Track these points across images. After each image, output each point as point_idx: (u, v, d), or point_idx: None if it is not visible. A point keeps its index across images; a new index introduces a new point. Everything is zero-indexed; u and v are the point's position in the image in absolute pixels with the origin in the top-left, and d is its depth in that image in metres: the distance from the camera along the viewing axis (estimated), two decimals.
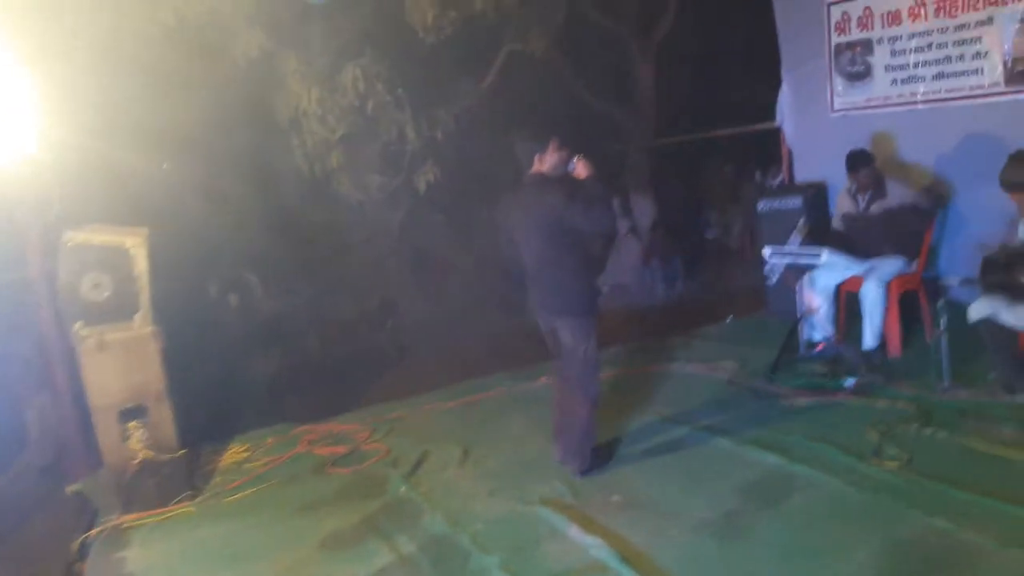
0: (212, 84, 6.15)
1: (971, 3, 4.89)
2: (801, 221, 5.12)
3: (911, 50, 5.26)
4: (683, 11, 9.23)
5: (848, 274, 4.93)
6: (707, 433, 4.12)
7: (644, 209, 9.54)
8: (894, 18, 5.35)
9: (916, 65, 5.25)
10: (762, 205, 6.07)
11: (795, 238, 4.86)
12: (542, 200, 3.65)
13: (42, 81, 4.31)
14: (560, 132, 3.75)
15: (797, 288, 4.94)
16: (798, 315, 4.97)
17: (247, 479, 4.46)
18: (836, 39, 5.74)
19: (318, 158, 6.67)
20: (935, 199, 5.02)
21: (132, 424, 4.14)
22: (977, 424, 3.72)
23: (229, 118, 6.45)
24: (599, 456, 3.93)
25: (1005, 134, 4.66)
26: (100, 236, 4.18)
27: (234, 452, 4.92)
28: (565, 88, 9.34)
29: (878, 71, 5.50)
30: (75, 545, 3.79)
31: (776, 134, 6.61)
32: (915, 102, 5.30)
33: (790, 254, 4.76)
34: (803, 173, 6.26)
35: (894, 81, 5.41)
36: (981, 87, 4.91)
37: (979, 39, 4.86)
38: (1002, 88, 4.81)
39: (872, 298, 4.69)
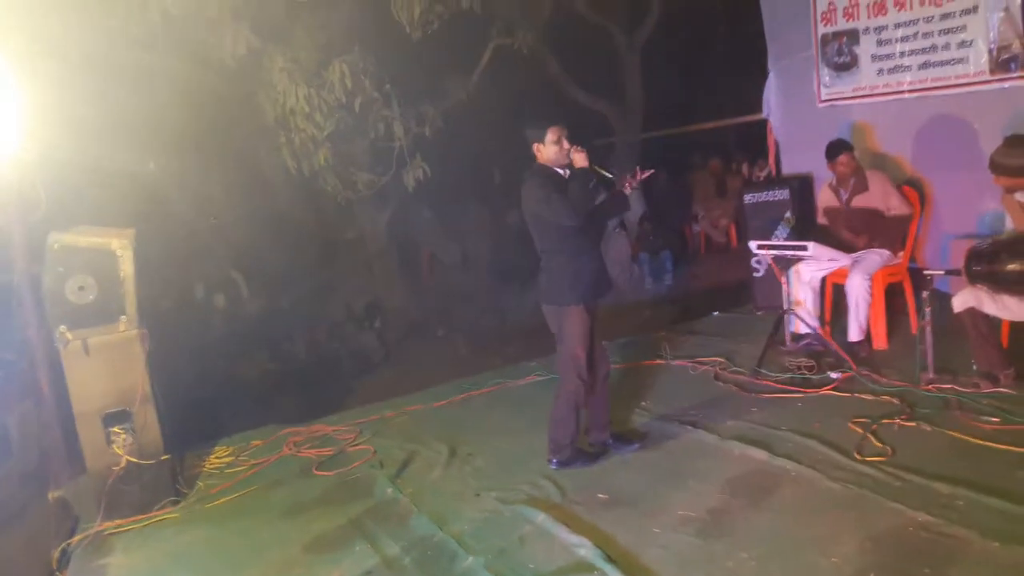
0: (199, 83, 6.09)
1: None
2: (788, 213, 5.12)
3: (897, 39, 5.24)
4: (669, 4, 9.20)
5: (834, 266, 4.93)
6: (692, 428, 4.12)
7: (632, 203, 9.49)
8: (880, 7, 5.32)
9: (902, 55, 5.22)
10: (749, 198, 6.05)
11: (782, 230, 4.85)
12: (527, 192, 3.78)
13: (27, 81, 4.24)
14: (560, 122, 3.78)
15: (783, 281, 4.93)
16: (784, 308, 4.96)
17: (232, 483, 4.41)
18: (822, 29, 5.71)
19: (305, 156, 6.60)
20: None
21: (116, 428, 4.09)
22: (961, 416, 3.73)
23: (216, 117, 6.40)
24: (584, 456, 3.92)
25: (991, 122, 4.66)
26: (86, 238, 4.11)
27: (219, 456, 4.88)
28: (552, 83, 9.30)
29: (864, 61, 5.47)
30: (56, 552, 3.74)
31: (763, 126, 6.60)
32: (901, 91, 5.27)
33: (777, 247, 4.75)
34: (790, 165, 6.24)
35: (880, 71, 5.39)
36: (967, 76, 4.89)
37: (964, 27, 4.84)
38: (987, 77, 4.78)
39: (858, 291, 4.69)
